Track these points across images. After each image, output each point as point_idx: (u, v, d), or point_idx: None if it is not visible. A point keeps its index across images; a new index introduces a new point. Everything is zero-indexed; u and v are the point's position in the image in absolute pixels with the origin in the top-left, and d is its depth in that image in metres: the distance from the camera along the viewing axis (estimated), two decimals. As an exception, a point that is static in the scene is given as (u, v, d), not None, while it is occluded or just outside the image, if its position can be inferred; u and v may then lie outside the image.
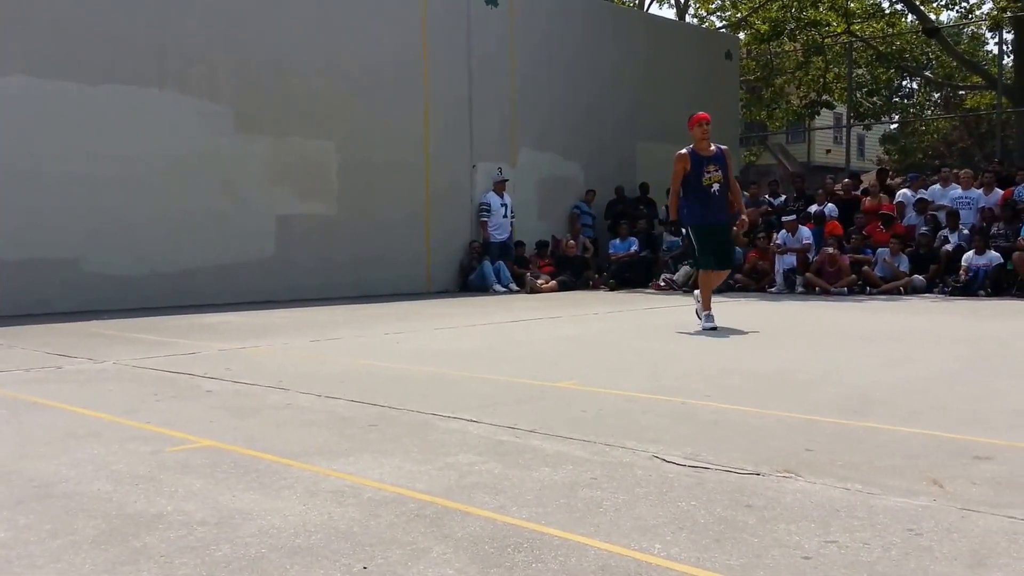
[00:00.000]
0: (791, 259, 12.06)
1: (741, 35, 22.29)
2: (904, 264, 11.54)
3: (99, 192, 9.58)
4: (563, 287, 12.66)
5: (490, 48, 13.14)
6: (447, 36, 12.59)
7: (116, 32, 9.67)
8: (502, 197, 13.00)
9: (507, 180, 13.07)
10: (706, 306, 7.36)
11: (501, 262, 12.70)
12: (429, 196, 12.47)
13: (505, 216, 13.02)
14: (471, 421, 3.74)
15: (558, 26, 14.12)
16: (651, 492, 2.70)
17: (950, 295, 10.92)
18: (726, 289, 11.99)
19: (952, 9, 21.74)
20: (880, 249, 11.79)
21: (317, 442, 3.41)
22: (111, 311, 9.20)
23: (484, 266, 12.51)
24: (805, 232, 12.18)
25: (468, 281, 12.60)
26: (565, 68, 14.17)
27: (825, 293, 11.36)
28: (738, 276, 12.17)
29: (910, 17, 21.77)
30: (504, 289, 12.40)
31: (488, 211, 12.89)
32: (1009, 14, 17.96)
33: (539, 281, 12.44)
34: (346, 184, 11.60)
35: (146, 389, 4.65)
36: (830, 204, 13.21)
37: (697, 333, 7.07)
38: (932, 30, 20.40)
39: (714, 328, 7.11)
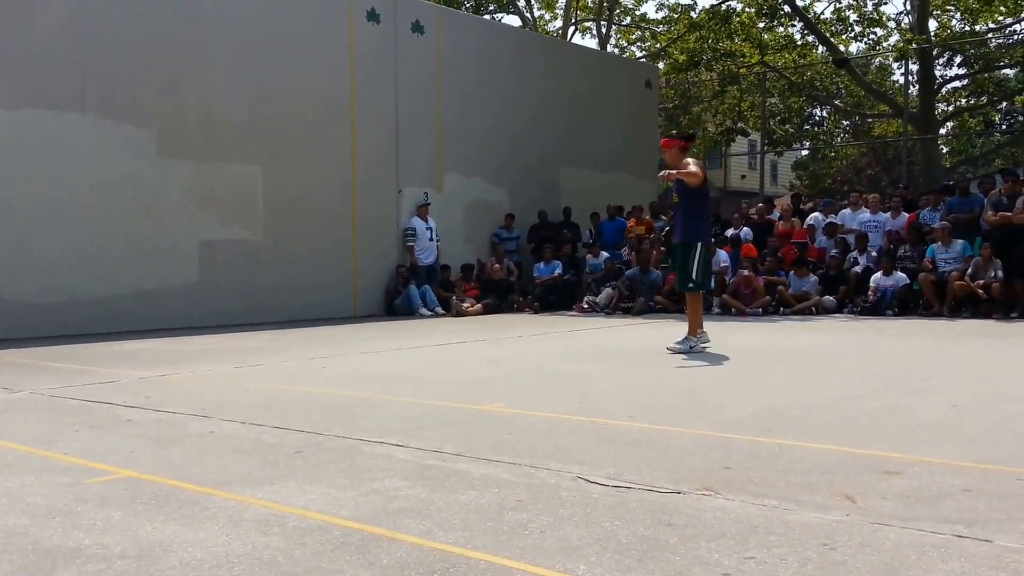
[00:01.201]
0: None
1: (660, 65, 22.87)
2: (810, 286, 11.94)
3: (17, 217, 9.27)
4: (488, 310, 12.70)
5: (418, 75, 13.19)
6: (374, 63, 12.59)
7: (37, 55, 9.40)
8: (426, 221, 13.02)
9: (429, 204, 13.10)
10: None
11: (427, 286, 12.69)
12: (355, 221, 12.39)
13: (431, 240, 13.04)
14: (397, 445, 3.74)
15: (484, 54, 14.27)
16: (575, 513, 2.75)
17: (859, 315, 11.35)
18: (647, 311, 12.26)
19: (861, 41, 22.77)
20: (792, 272, 12.20)
21: (240, 470, 3.36)
22: (29, 339, 8.86)
23: (410, 290, 12.48)
24: (722, 255, 12.53)
25: (394, 305, 12.55)
26: (492, 95, 14.32)
27: (741, 314, 11.67)
28: (658, 298, 12.45)
29: (821, 48, 22.65)
30: (430, 313, 12.39)
31: (413, 235, 12.88)
32: (914, 46, 18.88)
33: (464, 304, 12.47)
34: (272, 209, 11.45)
35: (64, 419, 4.50)
36: (745, 228, 13.62)
37: (618, 353, 7.21)
38: (842, 61, 21.29)
39: (692, 349, 7.17)
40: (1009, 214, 10.78)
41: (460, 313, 12.25)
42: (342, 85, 12.20)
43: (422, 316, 12.20)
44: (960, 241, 11.33)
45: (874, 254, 12.21)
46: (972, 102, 23.77)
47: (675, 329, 9.57)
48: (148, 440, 3.95)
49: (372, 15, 12.58)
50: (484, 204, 14.35)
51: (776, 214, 14.10)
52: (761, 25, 21.73)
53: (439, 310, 12.52)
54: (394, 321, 11.53)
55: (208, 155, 10.81)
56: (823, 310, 11.69)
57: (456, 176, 13.87)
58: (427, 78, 13.36)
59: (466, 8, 22.43)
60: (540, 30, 25.55)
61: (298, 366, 6.72)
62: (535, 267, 14.02)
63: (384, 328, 10.42)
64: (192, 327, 10.22)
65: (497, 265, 13.58)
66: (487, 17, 23.02)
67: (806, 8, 21.50)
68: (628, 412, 4.51)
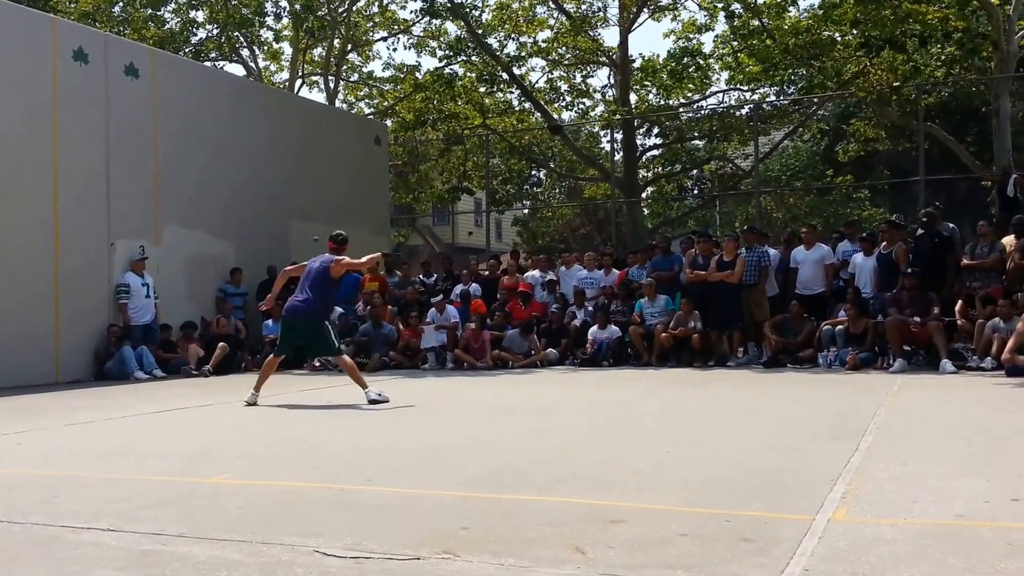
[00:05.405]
0: (442, 336, 12.61)
1: (389, 123, 23.26)
2: (530, 343, 12.47)
3: None
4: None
5: (131, 120, 12.29)
6: (81, 105, 11.57)
7: None
8: (142, 277, 12.07)
9: (147, 259, 12.19)
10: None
11: (144, 347, 11.72)
12: (58, 277, 11.18)
13: (148, 297, 12.09)
14: (108, 530, 3.37)
15: (205, 101, 13.64)
16: (314, 591, 2.63)
17: (579, 366, 12.10)
18: (382, 367, 12.21)
19: (571, 110, 24.68)
20: (511, 331, 12.69)
21: (-91, 578, 2.86)
22: None
23: (124, 352, 11.45)
24: (452, 311, 12.83)
25: (105, 369, 11.45)
26: (213, 144, 13.69)
27: (472, 368, 11.99)
28: (392, 354, 12.46)
29: (537, 115, 24.24)
30: (147, 376, 11.45)
31: (127, 292, 11.87)
32: (618, 117, 20.81)
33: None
34: (-48, 262, 10.05)
35: None
36: (474, 284, 14.09)
37: (353, 413, 7.09)
38: (555, 127, 22.93)
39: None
40: (704, 272, 12.08)
41: (200, 359, 11.97)
42: (43, 127, 11.08)
43: (138, 380, 11.22)
44: (663, 296, 12.47)
45: (590, 308, 13.10)
46: (668, 169, 26.51)
47: (410, 384, 9.66)
48: None
49: (79, 55, 11.61)
50: (207, 258, 13.59)
51: (501, 270, 14.68)
52: (482, 90, 22.87)
53: (158, 372, 11.62)
54: (105, 387, 10.46)
55: None
56: (547, 362, 12.32)
57: (176, 228, 13.04)
58: (142, 124, 12.51)
59: (184, 54, 21.40)
60: (266, 81, 25.00)
61: (-15, 444, 5.89)
62: (264, 324, 13.45)
63: (94, 395, 9.44)
64: None
65: (224, 321, 12.89)
66: (208, 64, 22.12)
67: (522, 77, 22.98)
68: (366, 475, 4.43)
